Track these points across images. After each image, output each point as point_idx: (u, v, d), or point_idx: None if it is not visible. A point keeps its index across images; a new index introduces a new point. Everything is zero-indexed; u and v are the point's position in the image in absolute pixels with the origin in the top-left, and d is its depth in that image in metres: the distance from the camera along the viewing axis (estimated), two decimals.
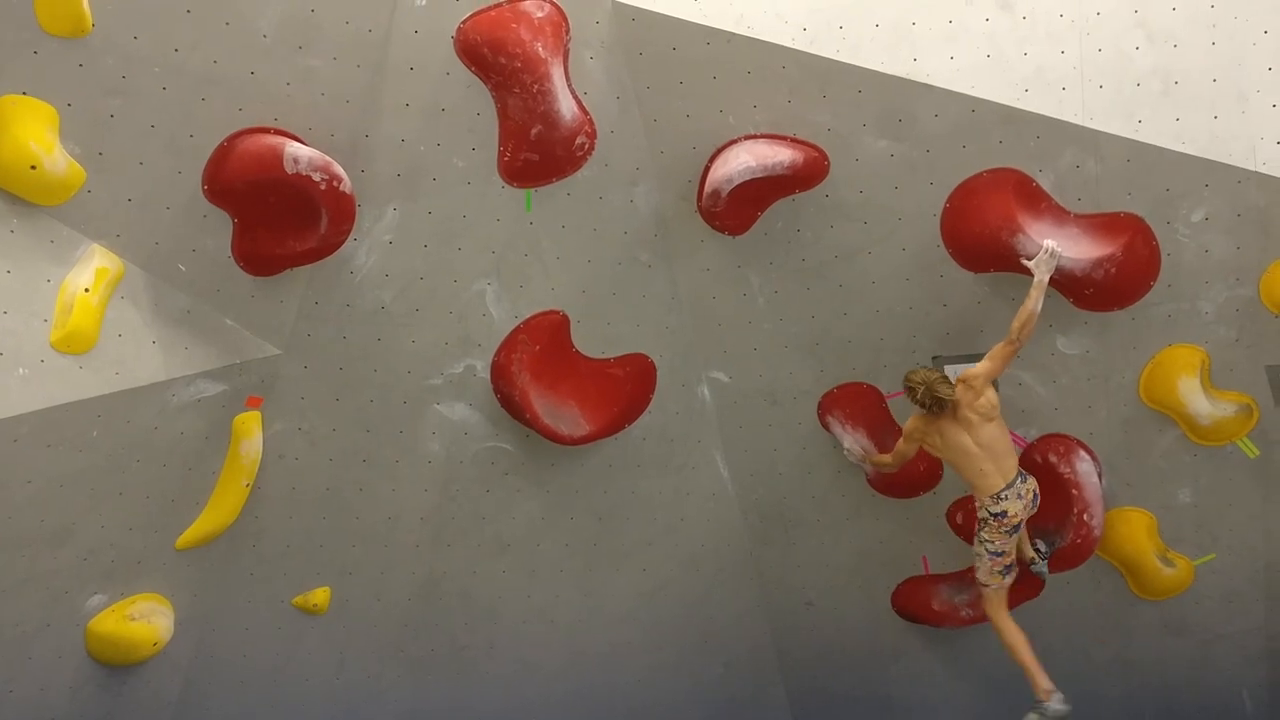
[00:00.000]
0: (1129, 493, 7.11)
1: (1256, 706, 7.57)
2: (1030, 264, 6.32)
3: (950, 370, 6.93)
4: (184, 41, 5.86)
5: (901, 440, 6.83)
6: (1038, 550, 7.05)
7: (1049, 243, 6.29)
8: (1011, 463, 6.57)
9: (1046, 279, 6.29)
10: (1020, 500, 6.54)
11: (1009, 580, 6.72)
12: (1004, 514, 6.53)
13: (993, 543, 6.60)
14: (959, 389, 6.51)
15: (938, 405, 6.50)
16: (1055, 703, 6.52)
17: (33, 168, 5.58)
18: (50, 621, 6.23)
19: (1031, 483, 6.64)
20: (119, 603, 6.49)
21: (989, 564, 6.66)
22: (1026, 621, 7.44)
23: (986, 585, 6.74)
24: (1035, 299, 6.29)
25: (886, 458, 6.98)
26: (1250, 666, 7.49)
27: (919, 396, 6.51)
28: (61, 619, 6.28)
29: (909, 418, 6.78)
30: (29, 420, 5.64)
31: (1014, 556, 6.70)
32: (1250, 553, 7.13)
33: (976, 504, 6.66)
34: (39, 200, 5.74)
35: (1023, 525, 6.68)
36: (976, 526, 6.70)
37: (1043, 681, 6.59)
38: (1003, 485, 6.52)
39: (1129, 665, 7.61)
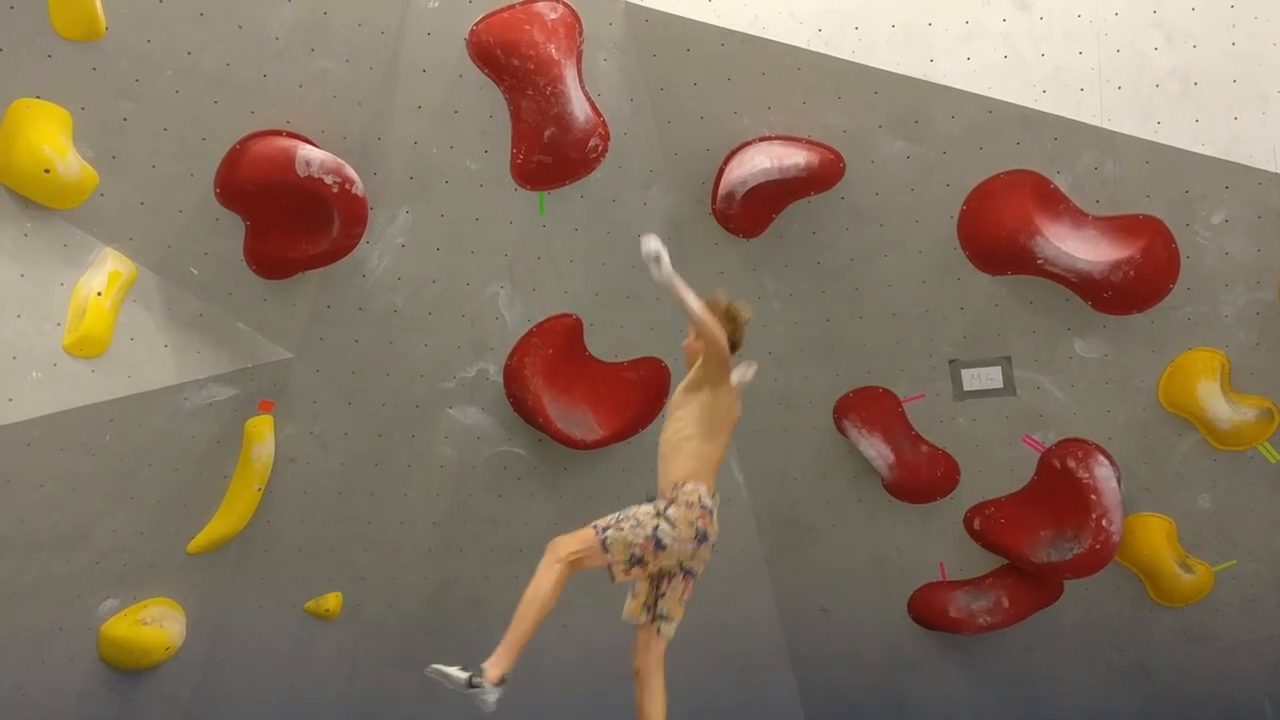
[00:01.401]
0: (1148, 498, 7.04)
1: (1278, 715, 7.49)
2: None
3: (967, 374, 6.88)
4: (196, 44, 5.86)
5: (708, 320, 5.10)
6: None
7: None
8: None
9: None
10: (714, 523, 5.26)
11: (626, 577, 5.18)
12: (712, 513, 5.20)
13: (673, 528, 5.05)
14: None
15: (737, 340, 5.29)
16: (491, 695, 5.01)
17: (46, 171, 5.60)
18: (62, 625, 6.23)
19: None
20: (131, 607, 6.48)
21: (636, 545, 5.05)
22: (1043, 628, 7.42)
23: (607, 566, 5.13)
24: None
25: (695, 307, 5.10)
26: (1271, 674, 7.40)
27: (733, 323, 5.25)
28: (74, 623, 6.28)
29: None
30: (41, 424, 5.65)
31: (650, 580, 5.27)
32: (1271, 559, 7.06)
33: (691, 487, 5.17)
34: (52, 204, 5.75)
35: (691, 546, 5.15)
36: (669, 503, 5.14)
37: (506, 662, 5.14)
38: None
39: (1148, 672, 7.53)
